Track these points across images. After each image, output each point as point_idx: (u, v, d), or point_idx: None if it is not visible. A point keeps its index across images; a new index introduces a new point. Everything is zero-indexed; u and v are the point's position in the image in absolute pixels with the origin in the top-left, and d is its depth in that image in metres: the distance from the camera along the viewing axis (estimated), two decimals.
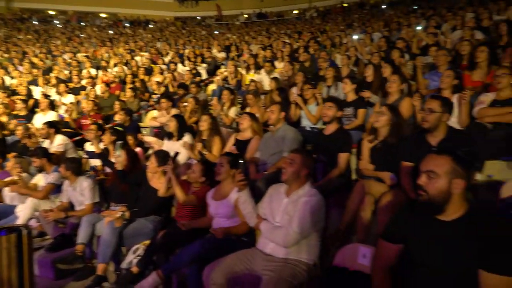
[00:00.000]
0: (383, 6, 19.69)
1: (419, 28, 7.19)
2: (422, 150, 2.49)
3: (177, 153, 3.44)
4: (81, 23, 24.26)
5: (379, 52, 6.26)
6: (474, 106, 3.67)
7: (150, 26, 23.08)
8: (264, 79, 7.32)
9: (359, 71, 6.44)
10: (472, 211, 1.72)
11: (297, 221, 2.42)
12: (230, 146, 4.13)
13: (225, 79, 8.12)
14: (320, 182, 3.38)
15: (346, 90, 4.66)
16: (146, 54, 12.38)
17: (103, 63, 11.28)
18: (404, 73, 5.28)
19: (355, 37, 8.47)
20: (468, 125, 3.48)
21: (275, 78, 6.56)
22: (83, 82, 9.01)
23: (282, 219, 2.53)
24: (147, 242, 3.22)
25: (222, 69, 9.03)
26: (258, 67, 7.68)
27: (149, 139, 5.10)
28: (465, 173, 1.71)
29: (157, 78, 8.71)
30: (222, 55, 11.11)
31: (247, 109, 5.30)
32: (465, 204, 1.74)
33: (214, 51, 11.46)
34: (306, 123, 4.89)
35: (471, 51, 4.84)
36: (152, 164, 3.60)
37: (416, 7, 16.12)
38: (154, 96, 7.83)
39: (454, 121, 3.54)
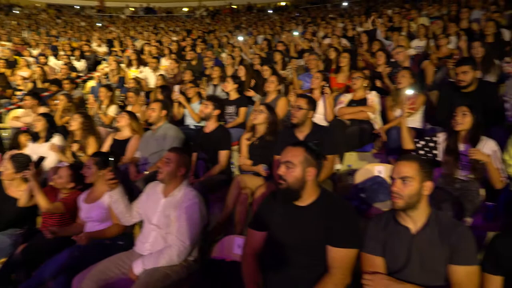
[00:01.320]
0: (269, 11, 20.85)
1: (296, 33, 7.82)
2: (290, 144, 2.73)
3: (42, 157, 3.06)
4: None
5: (259, 54, 6.61)
6: (336, 105, 4.18)
7: (15, 11, 20.06)
8: (150, 76, 7.07)
9: None
10: (322, 196, 1.96)
11: (186, 232, 2.35)
12: (107, 147, 3.88)
13: (106, 76, 7.57)
14: (202, 179, 3.43)
15: (228, 89, 4.80)
16: (9, 44, 10.73)
17: None
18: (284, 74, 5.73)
19: (240, 38, 8.79)
20: (332, 122, 3.94)
21: (161, 76, 6.41)
22: None
23: (160, 221, 2.47)
24: (3, 259, 2.81)
25: (103, 65, 8.39)
26: (141, 64, 7.35)
27: None
28: (315, 162, 1.94)
29: (23, 72, 7.63)
30: (103, 49, 10.33)
31: (128, 108, 5.05)
32: (317, 190, 1.98)
33: (94, 44, 10.58)
34: (190, 122, 4.89)
35: (337, 56, 5.49)
36: (7, 170, 3.15)
37: (298, 14, 17.61)
38: (18, 92, 6.85)
39: (321, 118, 3.99)
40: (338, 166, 3.61)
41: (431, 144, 2.86)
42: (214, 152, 3.53)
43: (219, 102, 3.67)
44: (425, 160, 1.81)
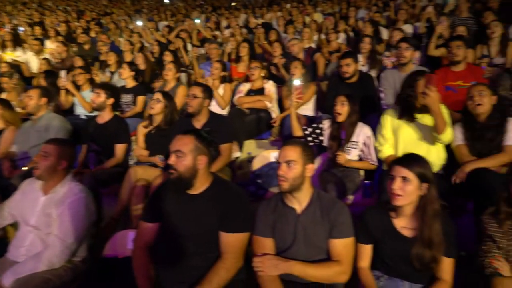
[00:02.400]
0: None
1: (198, 21, 7.69)
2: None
3: None
4: None
5: (160, 40, 6.34)
6: (235, 94, 4.25)
7: None
8: (32, 60, 6.25)
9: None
10: (214, 184, 1.97)
11: (69, 230, 2.14)
12: None
13: None
14: (93, 171, 3.18)
15: (124, 76, 4.52)
16: None
17: None
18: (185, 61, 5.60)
19: (139, 23, 8.27)
20: (230, 110, 3.99)
21: (45, 60, 5.71)
22: None
23: (39, 222, 2.21)
24: None
25: None
26: (18, 45, 6.45)
27: None
28: (206, 150, 1.93)
29: None
30: None
31: (3, 95, 4.39)
32: (210, 178, 1.98)
33: None
34: (80, 111, 4.49)
35: (237, 46, 5.55)
36: None
37: (202, 2, 17.30)
38: None
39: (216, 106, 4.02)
40: (237, 154, 3.68)
41: (318, 131, 3.09)
42: (109, 144, 3.28)
43: (112, 90, 3.41)
44: (307, 145, 1.94)
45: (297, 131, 3.10)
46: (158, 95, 3.28)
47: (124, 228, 2.83)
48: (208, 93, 3.13)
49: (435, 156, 2.65)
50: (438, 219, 1.75)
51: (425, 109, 2.60)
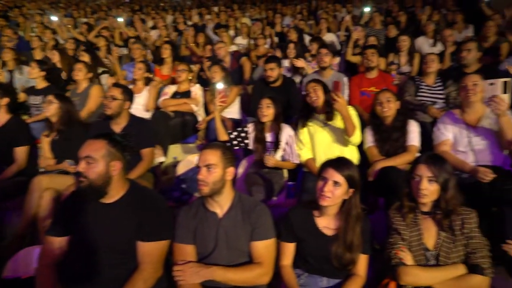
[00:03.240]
0: None
1: (121, 19, 7.30)
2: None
3: None
4: None
5: (77, 38, 5.90)
6: (160, 96, 4.10)
7: None
8: None
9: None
10: (130, 190, 1.86)
11: None
12: None
13: None
14: None
15: (33, 76, 4.09)
16: None
17: None
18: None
19: (54, 18, 7.59)
20: (154, 113, 3.83)
21: None
22: None
23: None
24: None
25: None
26: None
27: None
28: (121, 155, 1.82)
29: None
30: None
31: None
32: (125, 185, 1.86)
33: None
34: None
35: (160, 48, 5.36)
36: None
37: (127, 1, 16.50)
38: None
39: (138, 109, 3.85)
40: (162, 159, 3.54)
41: (243, 134, 3.11)
42: (7, 149, 2.94)
43: (4, 89, 3.07)
44: (227, 148, 1.92)
45: (222, 135, 3.08)
46: (50, 97, 3.05)
47: (31, 245, 2.56)
48: (129, 95, 2.97)
49: (350, 156, 2.79)
50: (359, 222, 1.85)
51: (331, 114, 2.79)
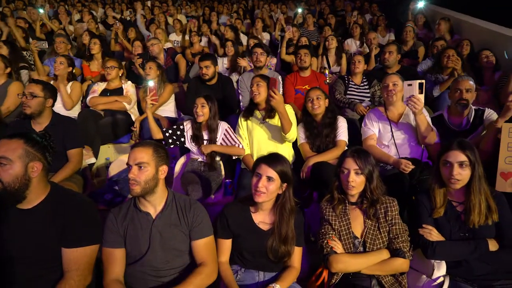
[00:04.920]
0: None
1: (41, 11, 6.71)
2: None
3: None
4: None
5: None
6: (89, 94, 3.84)
7: None
8: None
9: None
10: (51, 194, 1.71)
11: None
12: None
13: None
14: None
15: None
16: None
17: None
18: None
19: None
20: (81, 112, 3.57)
21: None
22: None
23: None
24: None
25: None
26: None
27: None
28: (41, 155, 1.67)
29: None
30: None
31: None
32: (46, 188, 1.72)
33: None
34: None
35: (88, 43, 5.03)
36: None
37: None
38: None
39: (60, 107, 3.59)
40: (92, 160, 3.33)
41: (178, 132, 3.03)
42: None
43: None
44: (159, 145, 1.87)
45: (156, 134, 2.98)
46: None
47: None
48: (51, 91, 2.75)
49: (285, 153, 2.90)
50: (293, 216, 1.90)
51: (270, 112, 2.85)
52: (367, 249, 1.87)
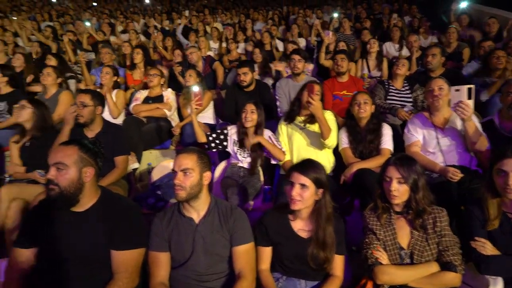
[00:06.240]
0: None
1: (88, 24, 7.09)
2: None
3: None
4: None
5: (43, 41, 5.68)
6: (132, 102, 4.01)
7: None
8: None
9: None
10: (102, 198, 1.79)
11: None
12: None
13: None
14: None
15: None
16: None
17: None
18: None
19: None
20: (126, 119, 3.73)
21: None
22: None
23: None
24: None
25: None
26: None
27: None
28: (93, 160, 1.76)
29: None
30: None
31: None
32: (97, 192, 1.80)
33: None
34: None
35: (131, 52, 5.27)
36: None
37: (95, 4, 16.10)
38: None
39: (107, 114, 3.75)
40: (135, 165, 3.46)
41: (222, 137, 3.09)
42: None
43: None
44: (203, 152, 1.90)
45: (201, 137, 3.06)
46: (23, 102, 2.93)
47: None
48: (99, 99, 2.89)
49: (325, 159, 2.87)
50: (331, 221, 1.87)
51: (312, 118, 2.81)
52: (414, 261, 1.79)
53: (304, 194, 1.82)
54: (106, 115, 3.73)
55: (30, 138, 2.88)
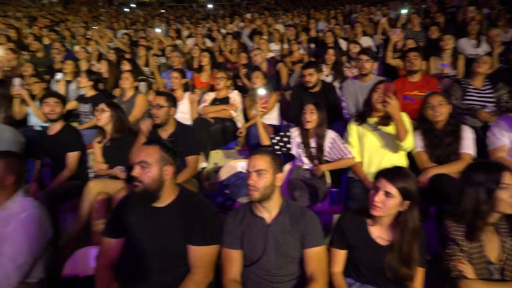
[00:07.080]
0: (132, 5, 19.72)
1: (158, 30, 7.54)
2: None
3: None
4: None
5: (122, 48, 6.16)
6: (200, 103, 4.18)
7: None
8: None
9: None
10: (180, 195, 1.90)
11: (21, 249, 1.96)
12: None
13: None
14: (50, 187, 2.98)
15: (82, 85, 4.32)
16: None
17: None
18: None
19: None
20: (195, 120, 3.91)
21: None
22: None
23: None
24: None
25: None
26: None
27: None
28: (172, 159, 1.87)
29: None
30: None
31: None
32: (176, 189, 1.91)
33: None
34: (35, 121, 4.23)
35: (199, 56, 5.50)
36: None
37: (163, 11, 17.12)
38: None
39: (183, 117, 3.93)
40: (204, 164, 3.61)
41: (285, 139, 3.10)
42: (61, 156, 3.11)
43: (63, 99, 3.28)
44: (275, 154, 1.92)
45: (265, 140, 3.10)
46: (102, 105, 3.17)
47: (85, 246, 2.67)
48: (172, 101, 3.05)
49: (398, 163, 2.73)
50: (417, 237, 1.76)
51: (386, 119, 2.71)
52: (505, 277, 1.64)
53: (387, 203, 1.74)
54: (179, 117, 3.94)
55: (110, 139, 3.13)
